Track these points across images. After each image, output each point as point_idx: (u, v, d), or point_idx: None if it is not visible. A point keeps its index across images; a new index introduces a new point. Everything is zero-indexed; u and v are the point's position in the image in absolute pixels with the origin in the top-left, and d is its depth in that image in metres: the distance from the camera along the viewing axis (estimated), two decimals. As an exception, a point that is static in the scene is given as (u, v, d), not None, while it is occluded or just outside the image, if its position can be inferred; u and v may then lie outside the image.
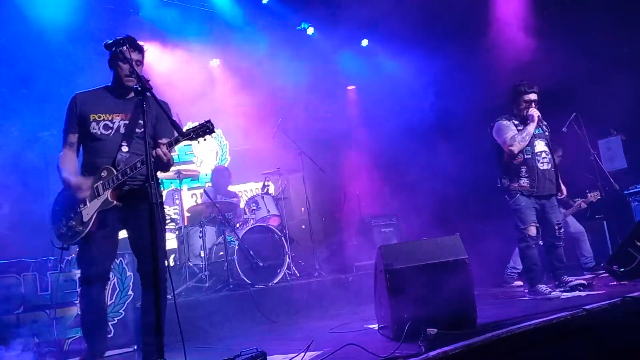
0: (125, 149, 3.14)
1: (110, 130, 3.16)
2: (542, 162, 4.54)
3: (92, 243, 3.08)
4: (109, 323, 4.28)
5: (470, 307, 3.16)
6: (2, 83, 5.74)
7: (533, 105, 4.58)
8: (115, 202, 3.07)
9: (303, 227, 7.37)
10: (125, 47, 3.03)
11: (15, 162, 5.15)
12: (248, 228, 5.76)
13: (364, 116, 8.75)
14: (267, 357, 2.77)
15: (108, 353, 4.09)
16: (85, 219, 3.04)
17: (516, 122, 4.60)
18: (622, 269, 4.36)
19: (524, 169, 4.51)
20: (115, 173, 3.06)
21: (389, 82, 8.22)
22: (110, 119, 3.17)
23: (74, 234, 3.06)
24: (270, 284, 5.43)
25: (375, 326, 3.63)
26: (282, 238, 5.84)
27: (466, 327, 3.03)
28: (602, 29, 6.12)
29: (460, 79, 7.21)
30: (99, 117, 3.16)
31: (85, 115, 3.15)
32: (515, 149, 4.48)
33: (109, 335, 4.23)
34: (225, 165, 7.58)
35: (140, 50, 3.21)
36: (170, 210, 7.43)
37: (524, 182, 4.50)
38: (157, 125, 3.25)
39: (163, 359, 2.41)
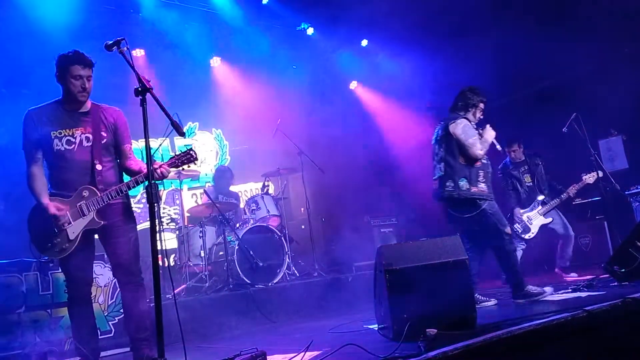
0: (99, 167, 3.20)
1: (73, 145, 3.20)
2: (490, 170, 4.47)
3: (77, 256, 3.18)
4: (110, 323, 4.29)
5: (470, 307, 3.16)
6: (1, 83, 5.75)
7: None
8: (102, 222, 3.18)
9: (303, 227, 7.38)
10: (75, 65, 3.14)
11: (15, 162, 5.16)
12: (248, 228, 5.77)
13: (363, 115, 8.75)
14: (267, 357, 2.78)
15: (108, 352, 4.10)
16: (71, 237, 3.12)
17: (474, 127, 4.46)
18: (623, 270, 4.35)
19: (482, 174, 4.35)
20: (99, 194, 3.15)
21: (389, 81, 8.23)
22: (70, 133, 3.21)
23: (60, 250, 3.13)
24: (270, 284, 5.43)
25: (375, 326, 3.63)
26: (282, 238, 5.85)
27: (466, 328, 3.03)
28: (603, 28, 6.12)
29: (459, 78, 7.20)
30: (60, 132, 3.20)
31: (45, 132, 3.18)
32: (483, 152, 4.33)
33: (109, 335, 4.24)
34: (227, 166, 7.59)
35: (91, 65, 3.24)
36: (170, 211, 7.44)
37: (482, 186, 4.33)
38: (116, 134, 3.33)
39: (163, 358, 2.41)
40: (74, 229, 3.14)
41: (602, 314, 2.97)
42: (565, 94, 6.63)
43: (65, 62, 3.18)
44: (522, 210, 6.02)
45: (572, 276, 5.73)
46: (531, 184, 6.10)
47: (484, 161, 4.40)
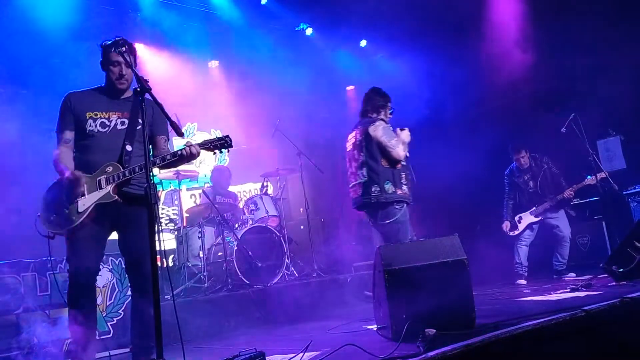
0: (129, 147, 3.14)
1: (107, 128, 3.16)
2: (410, 172, 4.41)
3: (82, 239, 3.03)
4: (108, 324, 4.28)
5: (469, 307, 3.16)
6: (0, 83, 5.75)
7: None
8: (116, 196, 3.05)
9: (302, 227, 7.38)
10: (113, 50, 3.08)
11: (15, 162, 5.16)
12: (247, 228, 5.77)
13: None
14: (266, 357, 2.77)
15: (107, 353, 4.09)
16: (80, 209, 2.99)
17: None
18: (621, 270, 4.37)
19: (404, 176, 4.28)
20: (122, 169, 3.06)
21: (387, 82, 8.21)
22: (107, 116, 3.17)
23: (65, 221, 2.98)
24: (269, 284, 5.43)
25: (374, 326, 3.63)
26: (281, 238, 5.85)
27: (465, 328, 3.03)
28: (602, 29, 6.12)
29: (458, 80, 7.22)
30: (95, 114, 3.16)
31: (80, 113, 3.15)
32: (403, 156, 4.27)
33: (108, 336, 4.24)
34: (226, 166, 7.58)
35: (132, 51, 3.18)
36: (169, 211, 7.43)
37: (405, 189, 4.26)
38: (154, 124, 3.28)
39: (162, 359, 2.41)
40: (85, 202, 3.02)
41: (600, 313, 2.97)
42: (563, 95, 6.64)
43: (106, 48, 3.16)
44: (506, 226, 6.16)
45: (571, 276, 5.73)
46: (533, 189, 6.10)
47: (404, 163, 4.32)
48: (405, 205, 4.25)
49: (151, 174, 2.64)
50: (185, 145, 3.10)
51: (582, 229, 6.48)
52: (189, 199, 7.71)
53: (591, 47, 6.28)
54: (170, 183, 7.15)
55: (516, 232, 6.09)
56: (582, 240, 6.51)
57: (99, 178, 3.05)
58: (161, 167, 3.28)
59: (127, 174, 3.05)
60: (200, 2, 7.16)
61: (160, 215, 7.09)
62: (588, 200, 6.66)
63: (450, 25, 7.19)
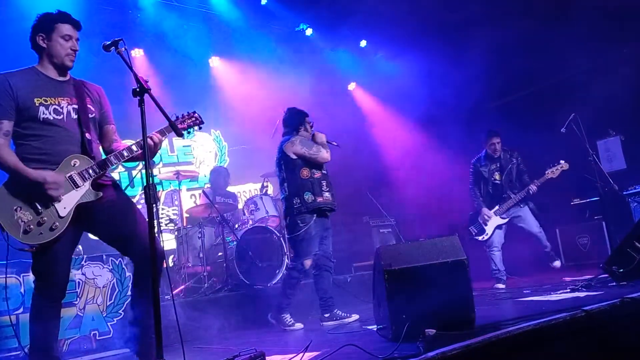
0: (88, 136, 2.91)
1: (61, 115, 2.87)
2: (328, 179, 4.68)
3: (60, 248, 2.76)
4: (108, 324, 4.28)
5: (469, 307, 3.16)
6: None
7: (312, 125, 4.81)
8: (101, 193, 2.83)
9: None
10: (64, 24, 2.88)
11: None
12: (247, 229, 5.77)
13: (362, 116, 8.76)
14: (266, 358, 2.77)
15: (108, 353, 4.10)
16: (62, 214, 2.72)
17: None
18: (621, 270, 4.36)
19: (324, 183, 4.57)
20: (92, 162, 2.84)
21: (387, 82, 8.24)
22: (56, 102, 2.88)
23: (49, 229, 2.68)
24: (269, 285, 5.43)
25: (374, 327, 3.63)
26: (281, 239, 5.85)
27: (465, 328, 3.02)
28: (602, 29, 6.13)
29: (458, 80, 7.22)
30: (45, 100, 2.84)
31: (27, 99, 2.80)
32: (329, 157, 4.59)
33: (108, 336, 4.24)
34: (225, 166, 7.58)
35: (80, 28, 3.00)
36: (169, 211, 7.43)
37: (327, 195, 4.55)
38: (101, 110, 3.10)
39: (162, 359, 2.40)
40: (65, 204, 2.72)
41: (600, 314, 2.96)
42: (563, 94, 6.64)
43: (51, 21, 2.88)
44: (487, 211, 5.84)
45: (556, 265, 5.78)
46: (499, 181, 5.90)
47: (324, 171, 4.63)
48: (317, 217, 4.51)
49: (147, 175, 2.62)
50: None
51: (582, 229, 6.48)
52: (189, 199, 7.71)
53: (592, 47, 6.28)
54: (170, 183, 7.15)
55: (485, 237, 5.81)
56: (582, 241, 6.51)
57: (69, 174, 2.79)
58: (127, 161, 2.98)
59: (101, 166, 2.83)
60: (200, 3, 7.16)
61: (161, 216, 7.09)
62: (588, 200, 6.66)
63: (450, 25, 7.19)
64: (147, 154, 2.58)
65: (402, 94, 7.89)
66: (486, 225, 5.84)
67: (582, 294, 4.10)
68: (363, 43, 8.51)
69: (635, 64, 6.11)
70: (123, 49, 2.76)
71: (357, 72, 8.70)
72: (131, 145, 2.93)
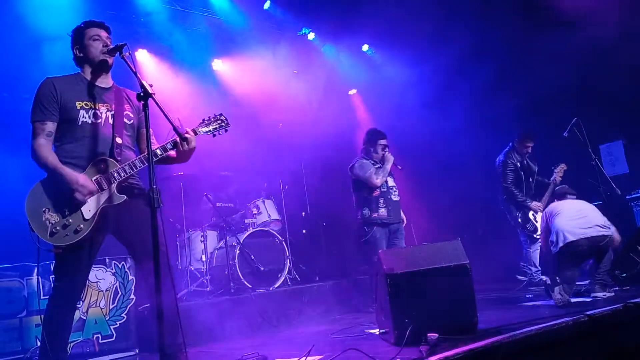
0: (119, 140, 2.96)
1: (100, 120, 2.96)
2: (394, 195, 5.23)
3: (82, 253, 2.80)
4: (111, 327, 4.28)
5: (472, 312, 3.16)
6: (4, 88, 5.78)
7: (387, 149, 5.30)
8: (124, 196, 2.87)
9: (304, 231, 7.38)
10: (91, 28, 3.01)
11: (14, 163, 5.18)
12: (249, 232, 5.77)
13: (365, 120, 8.76)
14: (269, 362, 2.77)
15: (110, 357, 4.11)
16: (87, 216, 2.76)
17: (373, 162, 5.27)
18: (624, 274, 4.36)
19: (381, 201, 5.14)
20: (120, 165, 2.88)
21: (390, 86, 8.24)
22: (97, 107, 2.98)
23: (74, 232, 2.73)
24: (271, 289, 5.43)
25: (377, 331, 3.63)
26: (283, 242, 5.85)
27: (467, 332, 3.02)
28: (603, 32, 6.12)
29: (460, 84, 7.23)
30: (86, 104, 2.95)
31: (69, 102, 2.91)
32: (378, 182, 5.13)
33: (111, 340, 4.24)
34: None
35: (108, 30, 3.09)
36: (171, 215, 7.41)
37: (383, 212, 5.13)
38: (140, 116, 3.13)
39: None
40: (90, 207, 2.77)
41: (603, 318, 2.97)
42: (565, 99, 6.63)
43: (79, 31, 3.04)
44: (537, 203, 5.75)
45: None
46: (538, 179, 5.98)
47: (383, 189, 5.19)
48: (377, 226, 5.13)
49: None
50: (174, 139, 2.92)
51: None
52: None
53: (594, 50, 6.28)
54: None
55: (538, 233, 5.43)
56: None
57: (96, 177, 2.84)
58: (159, 162, 3.02)
59: (128, 171, 2.88)
60: (203, 7, 7.19)
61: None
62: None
63: (452, 29, 7.19)
64: (150, 158, 2.58)
65: (407, 98, 7.89)
66: (536, 221, 5.71)
67: (587, 299, 4.10)
68: (365, 47, 8.53)
69: (637, 68, 6.10)
70: (127, 53, 2.78)
71: (359, 76, 8.71)
72: (156, 149, 2.97)
